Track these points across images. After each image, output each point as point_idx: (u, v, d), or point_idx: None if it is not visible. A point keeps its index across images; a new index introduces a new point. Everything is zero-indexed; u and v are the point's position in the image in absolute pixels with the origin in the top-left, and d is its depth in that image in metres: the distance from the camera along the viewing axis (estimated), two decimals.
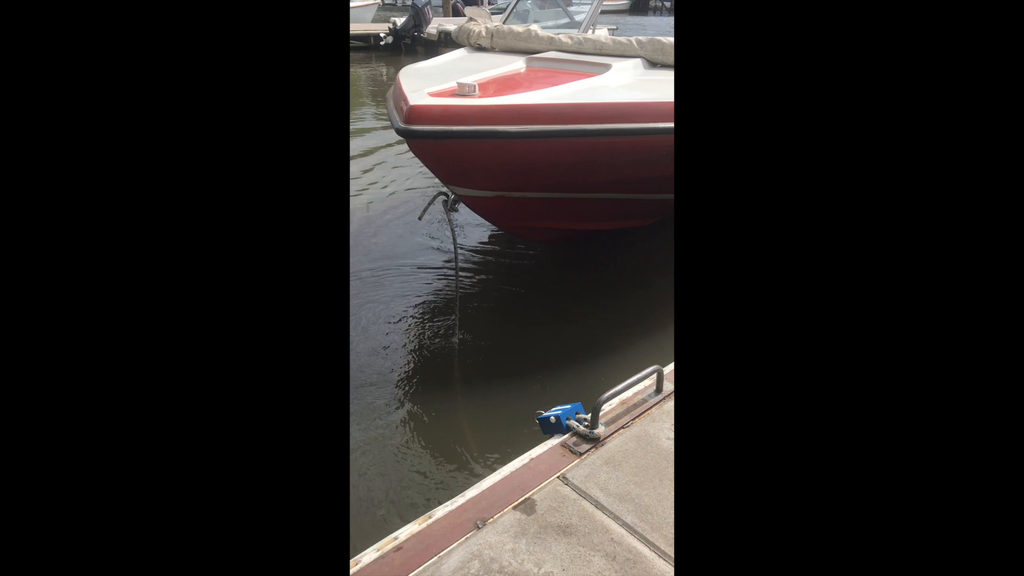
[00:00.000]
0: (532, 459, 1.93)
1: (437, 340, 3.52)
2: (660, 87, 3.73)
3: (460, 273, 3.96)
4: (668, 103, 3.33)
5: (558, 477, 1.85)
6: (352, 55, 14.95)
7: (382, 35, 15.66)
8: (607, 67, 3.97)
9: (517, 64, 4.36)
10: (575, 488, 1.81)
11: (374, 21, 17.78)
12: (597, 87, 3.68)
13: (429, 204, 3.63)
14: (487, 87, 3.64)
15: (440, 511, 1.73)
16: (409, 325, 3.70)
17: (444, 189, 3.55)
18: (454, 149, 3.00)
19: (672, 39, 4.14)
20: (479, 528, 1.66)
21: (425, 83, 3.50)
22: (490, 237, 5.00)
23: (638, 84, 3.88)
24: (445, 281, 4.19)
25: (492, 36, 4.78)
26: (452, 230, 3.70)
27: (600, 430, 1.99)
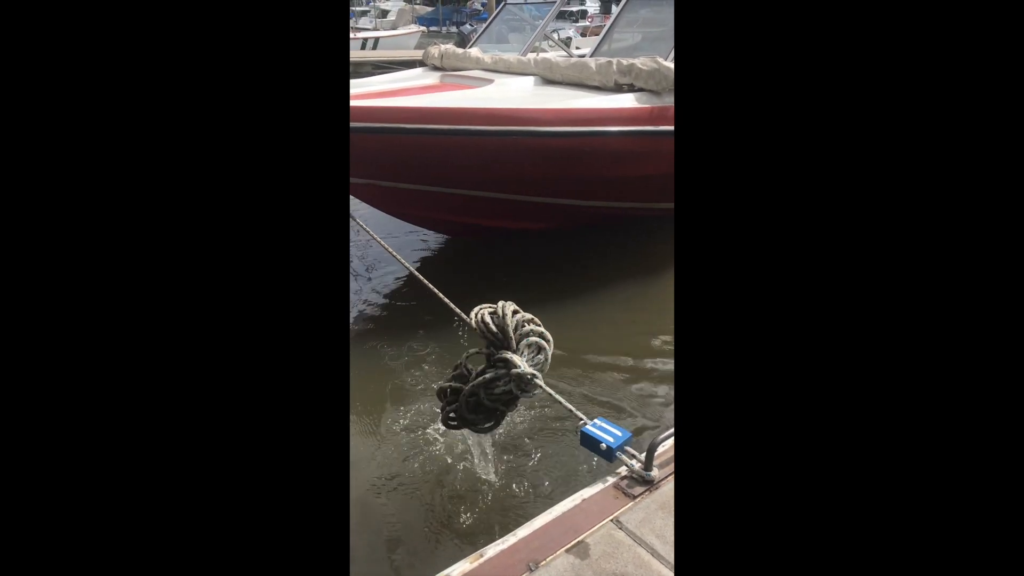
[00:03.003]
0: (584, 500, 1.88)
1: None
2: (535, 99, 4.20)
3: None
4: (504, 111, 3.71)
5: (611, 520, 1.79)
6: None
7: None
8: (490, 82, 4.63)
9: (432, 79, 5.27)
10: (629, 533, 1.75)
11: (417, 47, 18.19)
12: (467, 98, 4.21)
13: None
14: (370, 96, 4.32)
15: (492, 550, 1.68)
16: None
17: None
18: None
19: (562, 59, 4.78)
20: (532, 571, 1.61)
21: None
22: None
23: (513, 97, 4.36)
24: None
25: (442, 57, 5.83)
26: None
27: (655, 472, 1.94)
